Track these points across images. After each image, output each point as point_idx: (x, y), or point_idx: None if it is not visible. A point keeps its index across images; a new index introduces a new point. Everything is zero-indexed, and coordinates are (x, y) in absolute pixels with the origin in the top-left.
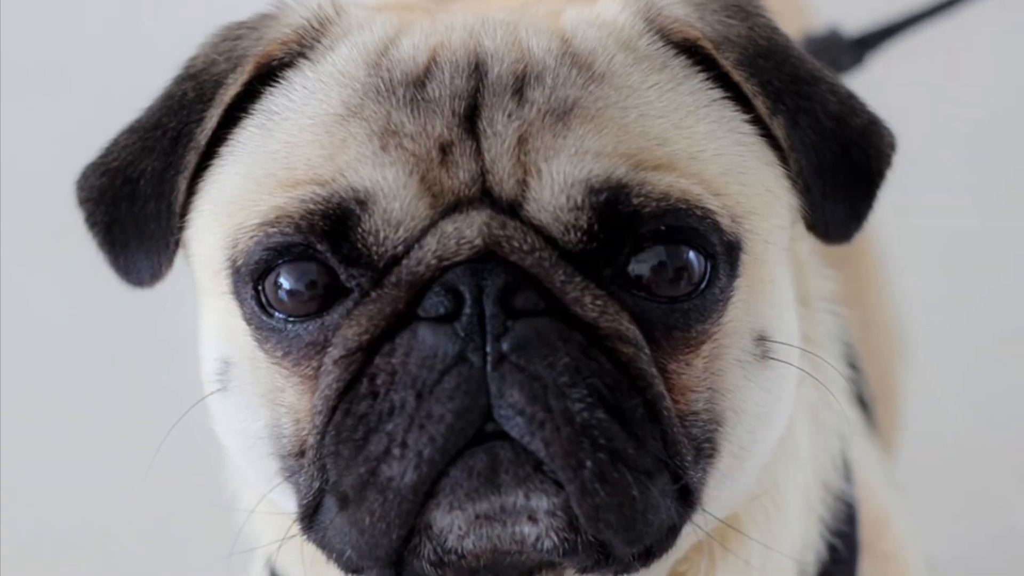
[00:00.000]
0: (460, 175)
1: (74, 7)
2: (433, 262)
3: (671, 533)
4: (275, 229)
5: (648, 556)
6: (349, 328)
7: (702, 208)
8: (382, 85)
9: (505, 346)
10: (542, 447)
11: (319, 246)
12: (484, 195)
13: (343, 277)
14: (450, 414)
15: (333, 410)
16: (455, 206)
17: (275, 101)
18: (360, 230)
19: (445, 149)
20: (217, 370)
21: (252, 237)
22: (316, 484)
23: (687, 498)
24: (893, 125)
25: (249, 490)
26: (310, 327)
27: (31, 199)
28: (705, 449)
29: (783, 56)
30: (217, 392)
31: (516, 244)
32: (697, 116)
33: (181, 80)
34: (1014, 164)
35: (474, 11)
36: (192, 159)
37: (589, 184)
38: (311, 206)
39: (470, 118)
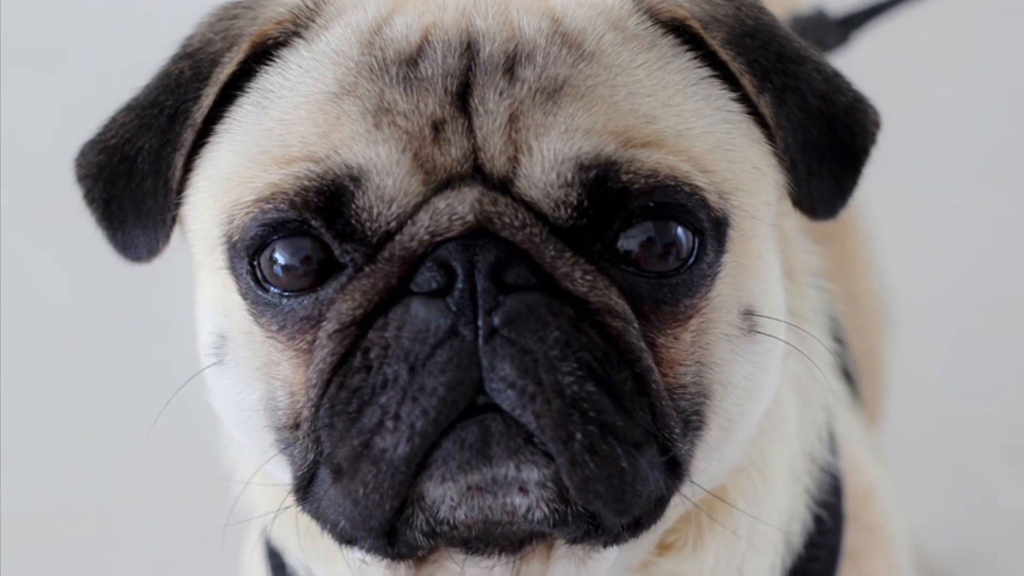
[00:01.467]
0: (452, 152)
1: None
2: (426, 238)
3: (659, 504)
4: (270, 205)
5: (637, 527)
6: (343, 303)
7: (690, 185)
8: (375, 64)
9: (496, 320)
10: (533, 419)
11: (313, 222)
12: (476, 172)
13: (337, 252)
14: (442, 387)
15: (327, 383)
16: (447, 183)
17: (270, 79)
18: (354, 206)
19: (437, 127)
20: (213, 344)
21: (248, 213)
22: (311, 456)
23: (675, 470)
24: (878, 103)
25: (245, 462)
26: (305, 302)
27: (31, 174)
28: (693, 421)
29: (770, 35)
30: (213, 365)
31: (507, 220)
32: (685, 94)
33: (178, 59)
34: (997, 142)
35: None
36: (188, 137)
37: (579, 161)
38: (305, 183)
39: (462, 96)
